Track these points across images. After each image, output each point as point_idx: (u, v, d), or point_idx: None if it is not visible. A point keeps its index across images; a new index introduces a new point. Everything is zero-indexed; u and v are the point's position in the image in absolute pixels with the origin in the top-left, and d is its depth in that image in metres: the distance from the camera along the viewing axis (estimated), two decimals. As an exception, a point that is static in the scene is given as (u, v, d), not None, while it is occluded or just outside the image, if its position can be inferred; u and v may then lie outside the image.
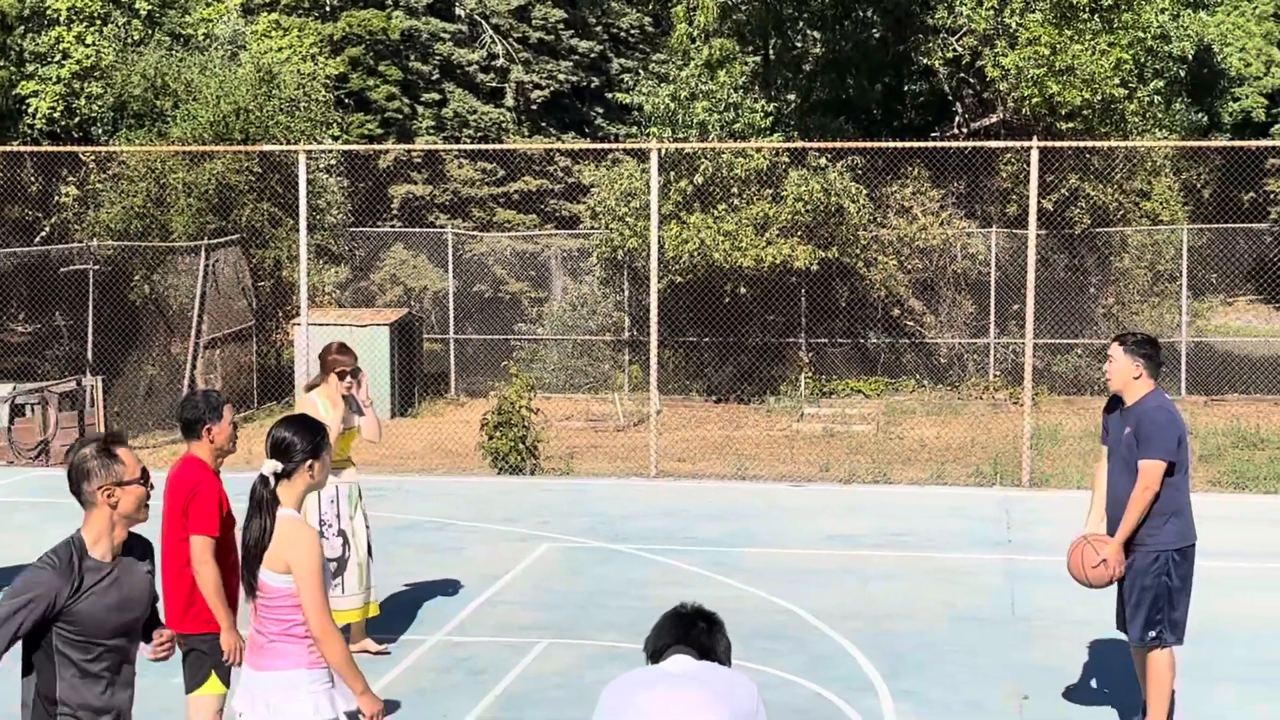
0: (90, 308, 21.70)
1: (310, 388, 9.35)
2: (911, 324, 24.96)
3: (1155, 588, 7.49)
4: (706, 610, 4.70)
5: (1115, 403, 7.81)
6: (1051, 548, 12.80)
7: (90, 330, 21.61)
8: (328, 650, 5.29)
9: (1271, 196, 30.83)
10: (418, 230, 28.72)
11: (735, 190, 23.22)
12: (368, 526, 9.37)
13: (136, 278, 22.68)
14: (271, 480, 5.38)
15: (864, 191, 23.54)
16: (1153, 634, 7.52)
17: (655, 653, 4.62)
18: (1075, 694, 8.67)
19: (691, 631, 4.59)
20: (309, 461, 5.45)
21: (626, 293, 25.43)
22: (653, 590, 11.18)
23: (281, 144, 22.42)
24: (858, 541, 13.10)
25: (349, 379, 9.13)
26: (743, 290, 23.18)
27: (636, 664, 9.12)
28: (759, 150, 22.98)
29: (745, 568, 11.90)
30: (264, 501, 5.36)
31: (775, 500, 15.30)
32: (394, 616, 10.32)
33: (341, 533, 9.07)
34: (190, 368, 21.43)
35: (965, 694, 8.65)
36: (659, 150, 18.14)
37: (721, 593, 10.88)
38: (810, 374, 24.06)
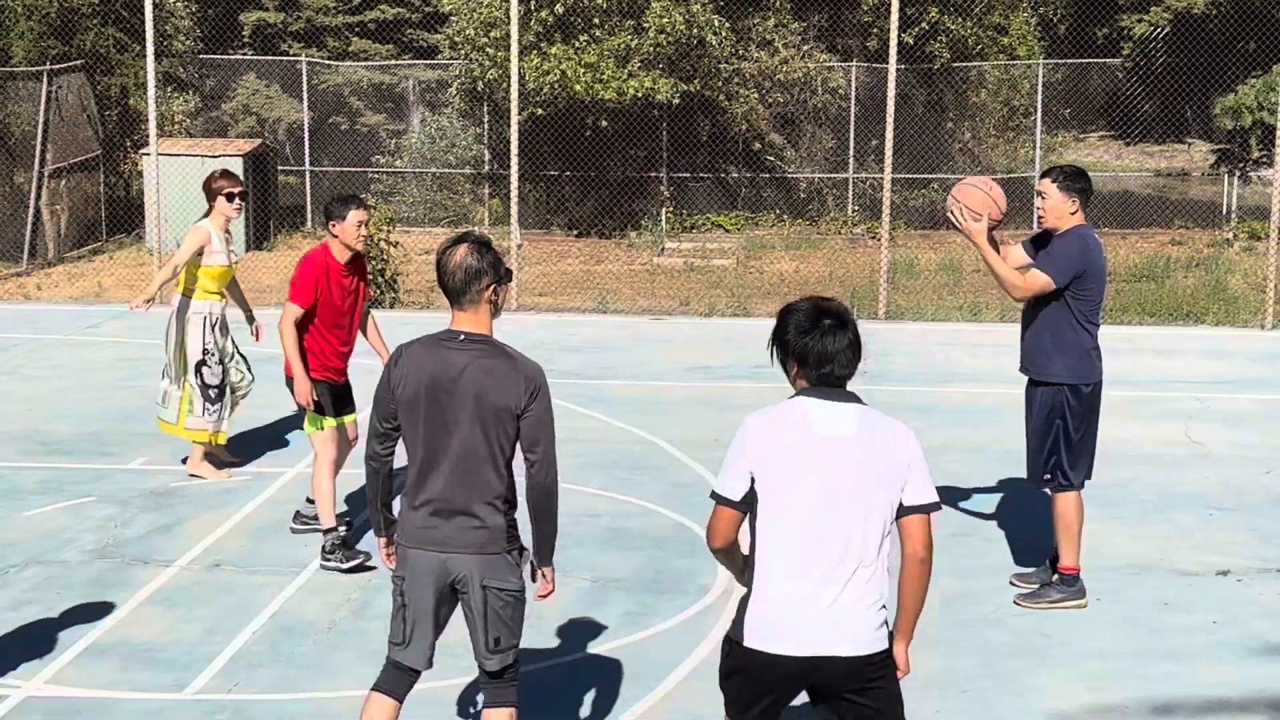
0: (-74, 136, 20.84)
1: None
2: (772, 158, 25.01)
3: (1050, 429, 7.14)
4: (838, 310, 4.39)
5: (1044, 238, 7.31)
6: (906, 378, 13.10)
7: (-73, 159, 20.79)
8: None
9: (1125, 32, 31.15)
10: (270, 59, 27.91)
11: (597, 21, 22.87)
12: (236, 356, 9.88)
13: (-26, 104, 21.80)
14: None
15: (726, 24, 23.35)
16: (1047, 476, 7.20)
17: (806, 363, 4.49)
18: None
19: (831, 370, 4.39)
20: None
21: (486, 125, 25.09)
22: (514, 422, 11.23)
23: (125, -35, 21.54)
24: (717, 373, 13.26)
25: (239, 201, 9.39)
26: (604, 124, 22.98)
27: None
28: (621, -21, 22.62)
29: (606, 399, 11.99)
30: None
31: (636, 333, 15.39)
32: (255, 447, 10.43)
33: (221, 360, 9.64)
34: (35, 198, 20.76)
35: (820, 520, 8.85)
36: (519, -22, 17.74)
37: (583, 424, 10.97)
38: (671, 209, 24.06)
